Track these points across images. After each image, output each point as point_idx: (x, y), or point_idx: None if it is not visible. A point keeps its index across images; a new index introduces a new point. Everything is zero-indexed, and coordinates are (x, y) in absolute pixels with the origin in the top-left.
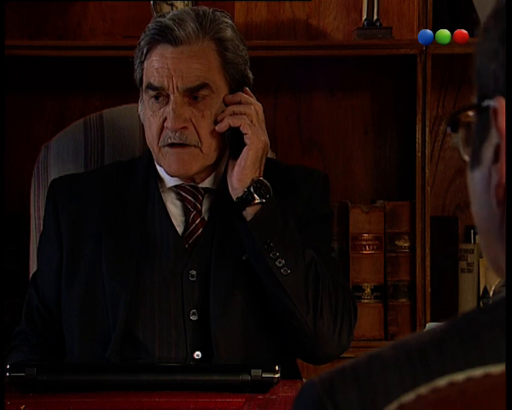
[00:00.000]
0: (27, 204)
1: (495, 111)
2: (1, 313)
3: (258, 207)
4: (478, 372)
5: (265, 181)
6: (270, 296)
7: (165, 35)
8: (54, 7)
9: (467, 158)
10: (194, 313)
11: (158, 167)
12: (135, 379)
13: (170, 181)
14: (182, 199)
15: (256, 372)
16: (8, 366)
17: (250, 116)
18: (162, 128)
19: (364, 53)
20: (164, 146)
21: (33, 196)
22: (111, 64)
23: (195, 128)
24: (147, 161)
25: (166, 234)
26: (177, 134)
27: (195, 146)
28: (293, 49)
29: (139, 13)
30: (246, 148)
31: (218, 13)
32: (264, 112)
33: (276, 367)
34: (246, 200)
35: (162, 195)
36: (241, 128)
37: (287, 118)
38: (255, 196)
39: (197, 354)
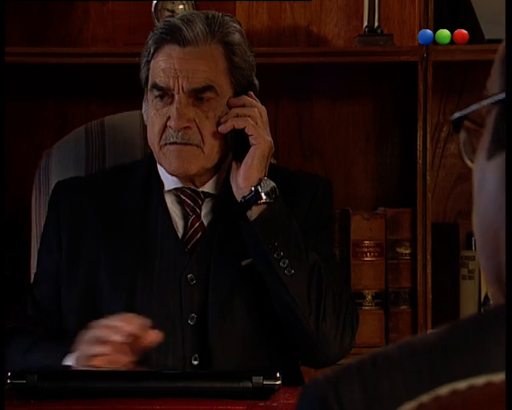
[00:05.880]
0: (28, 210)
1: None
2: (1, 318)
3: (263, 206)
4: (480, 381)
5: (271, 181)
6: (273, 297)
7: (173, 34)
8: (55, 13)
9: (468, 161)
10: (192, 318)
11: (159, 169)
12: (136, 386)
13: (170, 184)
14: (181, 202)
15: (257, 379)
16: (9, 373)
17: (254, 118)
18: (165, 127)
19: (365, 60)
20: (165, 144)
21: (34, 202)
22: (112, 71)
23: (198, 128)
24: (148, 164)
25: (167, 237)
26: (179, 134)
27: (197, 146)
28: (294, 55)
29: (140, 19)
30: (252, 147)
31: (227, 17)
32: None
33: (278, 374)
34: (252, 199)
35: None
36: (246, 130)
37: (288, 125)
38: (262, 195)
39: (195, 358)
